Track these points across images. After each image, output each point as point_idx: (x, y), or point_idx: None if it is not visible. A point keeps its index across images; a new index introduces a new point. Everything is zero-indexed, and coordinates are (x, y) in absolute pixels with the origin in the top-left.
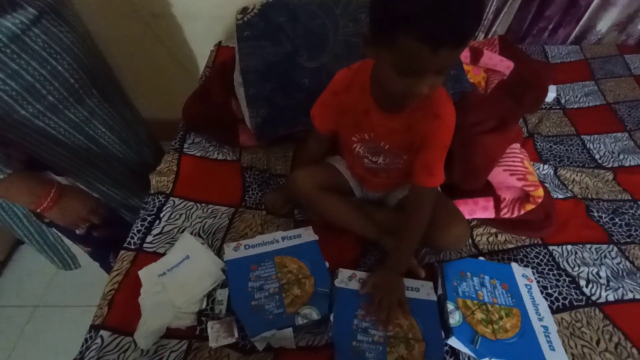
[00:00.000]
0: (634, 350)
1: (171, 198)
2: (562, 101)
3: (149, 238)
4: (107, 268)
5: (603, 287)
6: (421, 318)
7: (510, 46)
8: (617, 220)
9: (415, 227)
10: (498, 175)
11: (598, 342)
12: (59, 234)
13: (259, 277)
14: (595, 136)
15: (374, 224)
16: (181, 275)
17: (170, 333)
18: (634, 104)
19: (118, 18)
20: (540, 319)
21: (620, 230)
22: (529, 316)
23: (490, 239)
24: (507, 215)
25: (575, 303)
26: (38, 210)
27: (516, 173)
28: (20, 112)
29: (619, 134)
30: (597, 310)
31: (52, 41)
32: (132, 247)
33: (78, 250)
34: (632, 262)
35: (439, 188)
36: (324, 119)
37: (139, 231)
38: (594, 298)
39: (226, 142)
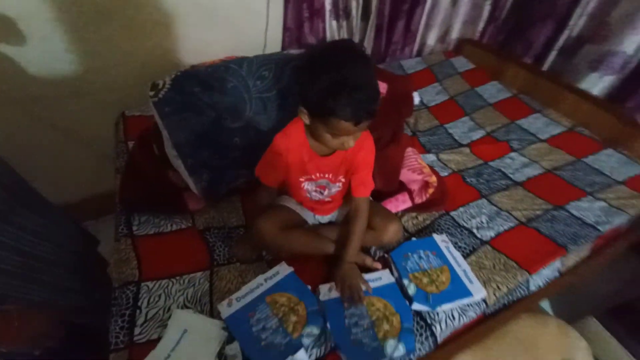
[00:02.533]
0: (514, 263)
1: (143, 284)
2: (425, 102)
3: (137, 330)
4: None
5: (486, 229)
6: (390, 298)
7: (378, 70)
8: (480, 180)
9: (360, 226)
10: (405, 175)
11: (494, 267)
12: None
13: (259, 320)
14: (451, 123)
15: (331, 242)
16: (187, 350)
17: None
18: (465, 94)
19: None
20: (460, 266)
21: (484, 186)
22: (453, 267)
23: (415, 221)
24: (419, 201)
25: (475, 247)
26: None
27: (416, 170)
28: None
29: (463, 118)
30: (488, 246)
31: None
32: (121, 345)
33: None
34: (496, 206)
35: (370, 197)
36: (272, 176)
37: (121, 328)
38: (483, 239)
39: (176, 212)
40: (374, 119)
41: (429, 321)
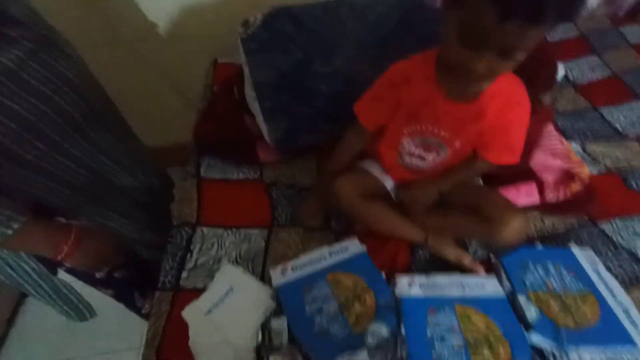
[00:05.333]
0: None
1: (198, 228)
2: (571, 78)
3: (184, 274)
4: (134, 308)
5: None
6: (496, 317)
7: None
8: None
9: (472, 171)
10: (538, 158)
11: None
12: (71, 284)
13: (315, 299)
14: (612, 107)
15: (421, 230)
16: (230, 309)
17: None
18: (638, 71)
19: (101, 47)
20: (616, 299)
21: None
22: (605, 299)
23: (538, 224)
24: (553, 199)
25: None
26: (59, 258)
27: (558, 154)
28: (24, 155)
29: (633, 103)
30: None
31: (52, 74)
32: (168, 286)
33: (92, 297)
34: None
35: (480, 181)
36: (374, 113)
37: (171, 268)
38: None
39: (245, 160)
40: (537, 31)
41: None
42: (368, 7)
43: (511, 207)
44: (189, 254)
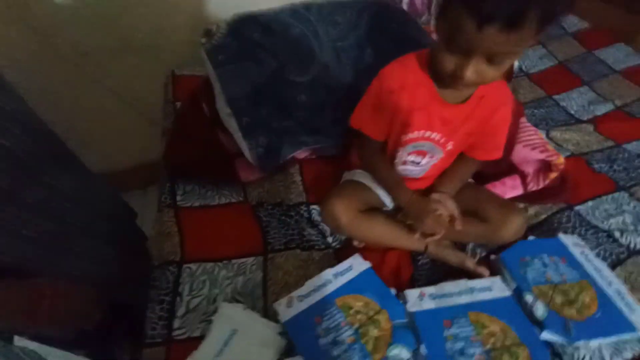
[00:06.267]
0: None
1: (185, 266)
2: (524, 68)
3: (177, 322)
4: None
5: (634, 233)
6: (509, 319)
7: None
8: (614, 167)
9: (468, 168)
10: (519, 152)
11: None
12: (34, 350)
13: (328, 329)
14: (564, 94)
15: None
16: (236, 356)
17: None
18: (580, 58)
19: (42, 66)
20: (610, 284)
21: (621, 175)
22: (599, 284)
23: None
24: (534, 188)
25: (621, 256)
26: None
27: (536, 146)
28: None
29: (581, 88)
30: None
31: None
32: (159, 339)
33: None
34: None
35: (472, 180)
36: (379, 125)
37: (160, 318)
38: (632, 246)
39: (225, 182)
40: (518, 35)
41: (565, 359)
42: (336, 10)
43: (509, 206)
44: (178, 298)
